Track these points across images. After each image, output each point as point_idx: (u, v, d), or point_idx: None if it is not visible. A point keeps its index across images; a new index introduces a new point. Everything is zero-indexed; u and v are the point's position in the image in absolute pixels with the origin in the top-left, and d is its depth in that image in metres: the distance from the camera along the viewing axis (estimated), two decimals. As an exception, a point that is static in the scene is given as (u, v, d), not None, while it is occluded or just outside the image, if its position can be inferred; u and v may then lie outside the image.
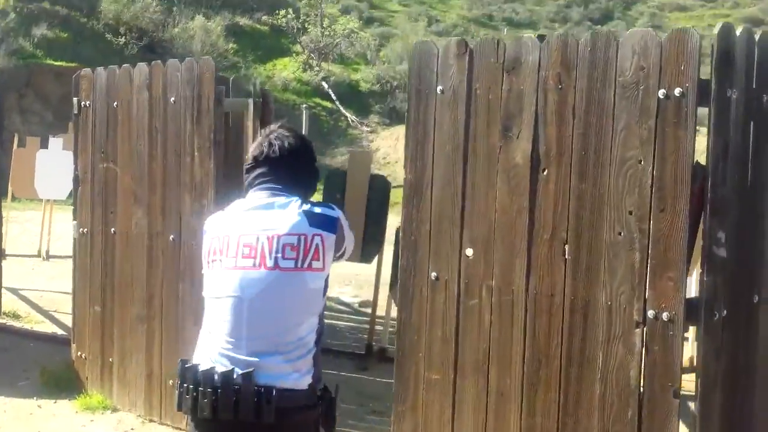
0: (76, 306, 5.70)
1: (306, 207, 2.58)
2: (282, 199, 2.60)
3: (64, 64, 22.87)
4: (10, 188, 11.35)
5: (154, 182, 5.07)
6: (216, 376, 2.42)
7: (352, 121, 23.53)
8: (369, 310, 7.67)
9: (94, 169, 5.44)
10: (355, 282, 9.22)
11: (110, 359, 5.38)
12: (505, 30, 31.51)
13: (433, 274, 3.64)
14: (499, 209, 3.43)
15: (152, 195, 5.10)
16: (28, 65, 22.57)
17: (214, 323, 2.54)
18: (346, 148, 21.79)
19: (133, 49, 24.95)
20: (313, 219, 2.56)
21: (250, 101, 5.81)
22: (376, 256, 6.42)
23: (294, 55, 27.32)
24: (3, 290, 7.92)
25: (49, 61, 22.65)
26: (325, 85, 25.12)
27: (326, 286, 2.60)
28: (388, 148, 20.53)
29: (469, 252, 3.53)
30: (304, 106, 17.26)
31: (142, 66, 5.13)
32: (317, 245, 2.52)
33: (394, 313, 4.90)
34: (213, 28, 26.71)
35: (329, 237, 2.56)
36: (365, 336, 7.03)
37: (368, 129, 23.39)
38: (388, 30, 30.40)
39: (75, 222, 5.62)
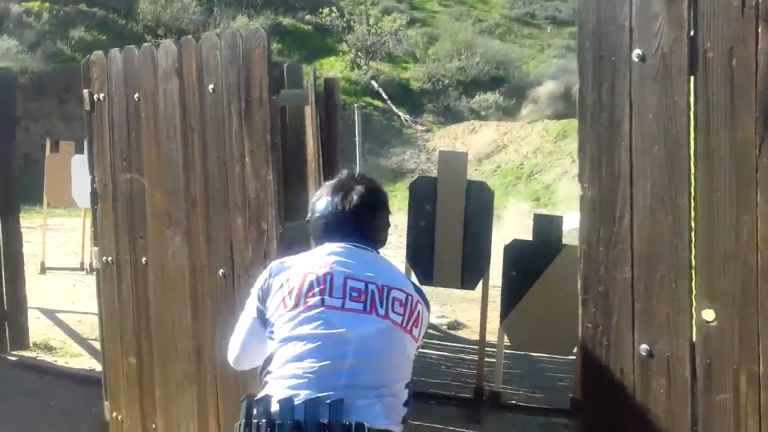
0: (106, 356, 4.39)
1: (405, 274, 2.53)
2: (376, 254, 2.50)
3: (101, 67, 21.99)
4: (45, 196, 10.23)
5: (193, 199, 3.76)
6: (298, 407, 2.19)
7: (406, 120, 22.27)
8: (459, 333, 6.58)
9: (116, 180, 4.13)
10: (437, 298, 7.78)
11: (153, 426, 4.09)
12: (549, 29, 30.22)
13: (644, 348, 2.29)
14: (763, 244, 2.03)
15: (192, 216, 3.78)
16: (67, 69, 21.61)
17: (304, 363, 2.28)
18: (402, 148, 20.55)
19: (173, 50, 23.94)
20: (415, 287, 2.47)
21: (311, 93, 4.48)
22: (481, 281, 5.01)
23: (340, 54, 26.23)
24: (38, 312, 6.90)
25: (88, 65, 21.59)
26: (375, 84, 23.90)
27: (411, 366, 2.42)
28: (446, 147, 19.26)
29: (709, 315, 2.15)
30: (356, 105, 16.01)
31: (168, 45, 3.81)
32: (419, 313, 2.41)
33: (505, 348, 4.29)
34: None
35: (426, 313, 2.46)
36: (464, 370, 5.65)
37: (423, 128, 22.10)
38: (430, 30, 29.23)
39: (96, 248, 4.32)
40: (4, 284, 5.96)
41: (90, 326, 7.01)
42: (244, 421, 2.24)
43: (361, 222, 2.49)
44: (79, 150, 9.86)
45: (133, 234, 4.07)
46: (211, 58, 3.58)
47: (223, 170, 3.62)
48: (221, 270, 3.69)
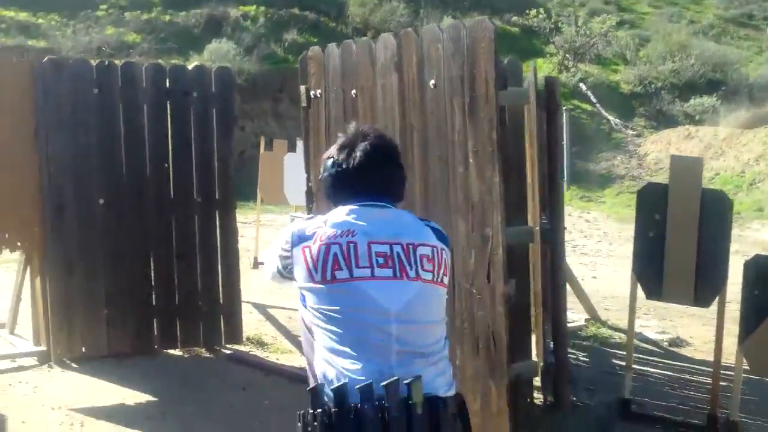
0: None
1: (425, 221, 2.42)
2: (396, 209, 2.37)
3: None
4: (258, 193, 10.52)
5: (412, 201, 3.57)
6: (376, 390, 2.12)
7: (615, 124, 21.36)
8: (681, 351, 6.12)
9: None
10: (654, 311, 7.24)
11: None
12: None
13: None
14: None
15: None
16: (280, 70, 22.45)
17: (348, 339, 2.22)
18: (611, 153, 19.73)
19: (381, 52, 24.30)
20: (436, 233, 2.38)
21: (532, 91, 4.19)
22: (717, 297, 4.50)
23: (548, 56, 25.63)
24: (250, 307, 6.91)
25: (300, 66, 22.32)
26: (584, 87, 23.11)
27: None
28: (659, 153, 18.22)
29: None
30: (564, 108, 15.49)
31: (387, 38, 3.65)
32: (445, 260, 2.36)
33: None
34: (462, 29, 25.51)
35: (448, 253, 2.41)
36: (691, 393, 5.17)
37: (633, 133, 21.09)
38: (640, 32, 27.97)
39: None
40: (220, 278, 6.03)
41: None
42: (310, 410, 2.16)
43: (371, 178, 2.35)
44: (291, 148, 10.03)
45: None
46: (432, 51, 3.38)
47: (445, 171, 3.41)
48: (439, 277, 3.47)
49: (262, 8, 24.63)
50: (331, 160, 2.40)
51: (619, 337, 6.38)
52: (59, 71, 5.57)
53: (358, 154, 2.35)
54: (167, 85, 5.92)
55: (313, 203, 4.13)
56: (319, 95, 3.98)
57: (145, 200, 5.80)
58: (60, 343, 5.55)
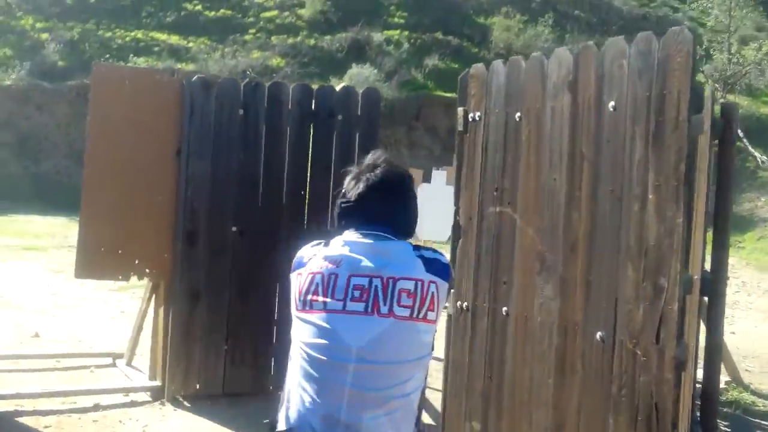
0: (446, 413, 3.89)
1: (418, 251, 2.29)
2: (390, 241, 2.28)
3: (454, 95, 22.28)
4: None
5: (574, 241, 3.13)
6: None
7: (762, 161, 19.86)
8: None
9: (483, 214, 3.60)
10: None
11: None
12: None
13: None
14: None
15: (570, 262, 3.15)
16: (418, 96, 22.30)
17: (309, 374, 2.20)
18: (755, 193, 18.38)
19: (523, 77, 23.76)
20: (428, 264, 2.26)
21: (706, 119, 3.64)
22: None
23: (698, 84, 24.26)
24: None
25: (439, 93, 22.15)
26: (733, 118, 21.71)
27: (433, 342, 2.28)
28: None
29: None
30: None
31: (562, 53, 3.23)
32: (433, 294, 2.22)
33: None
34: (606, 54, 24.62)
35: (443, 285, 2.26)
36: None
37: (781, 173, 19.60)
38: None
39: (451, 291, 3.84)
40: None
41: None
42: None
43: (372, 210, 2.31)
44: (426, 179, 9.63)
45: (496, 278, 3.52)
46: (615, 68, 2.93)
47: (617, 207, 2.94)
48: (599, 333, 3.00)
49: (406, 32, 24.63)
50: (344, 189, 2.37)
51: (763, 405, 5.71)
52: (207, 90, 5.42)
53: (362, 185, 2.31)
54: (312, 107, 5.67)
55: (459, 240, 3.71)
56: (478, 118, 3.58)
57: (278, 230, 5.52)
58: (176, 378, 5.33)
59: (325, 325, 2.21)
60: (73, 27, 22.79)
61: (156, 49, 22.43)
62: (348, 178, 2.36)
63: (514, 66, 3.41)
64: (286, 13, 25.12)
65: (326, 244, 2.33)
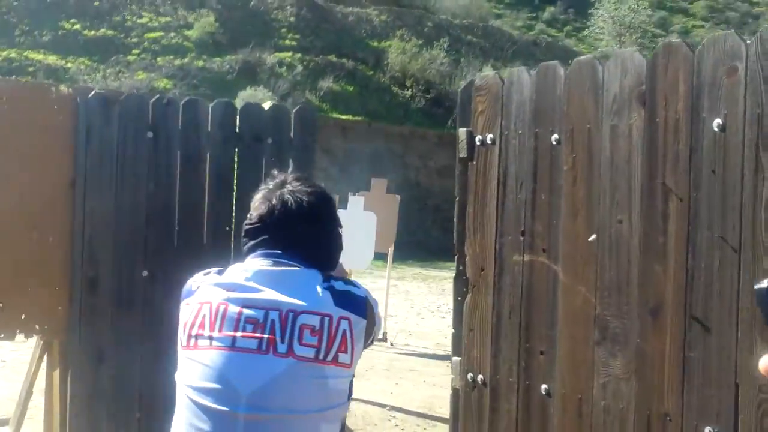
0: None
1: (329, 282, 1.98)
2: (296, 269, 1.99)
3: (350, 117, 21.67)
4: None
5: (657, 304, 2.32)
6: None
7: None
8: None
9: (502, 264, 2.76)
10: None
11: None
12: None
13: None
14: None
15: (651, 330, 2.35)
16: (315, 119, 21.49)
17: (193, 424, 1.92)
18: None
19: (420, 101, 23.37)
20: (338, 297, 1.95)
21: None
22: None
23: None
24: None
25: (335, 115, 21.42)
26: None
27: (351, 389, 1.99)
28: None
29: None
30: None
31: (627, 55, 2.44)
32: (344, 332, 1.92)
33: None
34: (503, 79, 24.58)
35: (359, 322, 1.95)
36: None
37: None
38: None
39: (456, 359, 2.96)
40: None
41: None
42: None
43: (279, 232, 2.05)
44: (341, 205, 8.98)
45: (529, 347, 2.68)
46: (721, 73, 2.13)
47: (731, 261, 2.15)
48: (708, 428, 2.19)
49: (299, 55, 23.82)
50: (250, 212, 2.13)
51: None
52: (108, 109, 4.39)
53: (266, 205, 2.06)
54: (237, 128, 4.71)
55: (465, 295, 2.86)
56: (490, 141, 2.75)
57: (198, 273, 4.54)
58: (81, 455, 4.28)
59: (210, 364, 1.94)
60: (-65, 45, 20.88)
61: (31, 69, 20.75)
62: (256, 197, 2.11)
63: (549, 73, 2.59)
64: (173, 34, 23.88)
65: (220, 272, 2.07)
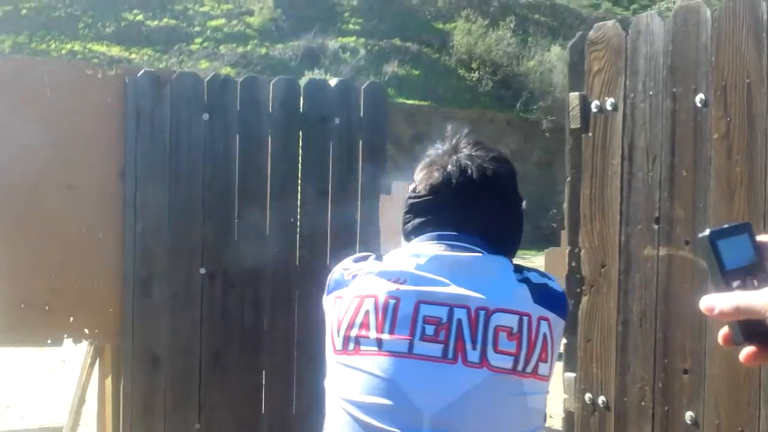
0: None
1: (521, 272, 1.61)
2: (481, 255, 1.59)
3: (416, 102, 21.15)
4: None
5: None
6: None
7: None
8: None
9: (629, 259, 2.23)
10: None
11: None
12: None
13: None
14: None
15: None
16: (380, 105, 21.05)
17: None
18: None
19: (488, 84, 22.78)
20: (536, 292, 1.57)
21: None
22: None
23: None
24: None
25: (401, 100, 20.92)
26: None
27: (546, 410, 1.61)
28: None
29: None
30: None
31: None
32: (545, 336, 1.55)
33: None
34: (573, 58, 23.78)
35: (558, 324, 1.59)
36: None
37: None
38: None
39: (570, 376, 2.44)
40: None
41: None
42: None
43: (457, 209, 1.63)
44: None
45: (668, 363, 2.15)
46: None
47: None
48: None
49: (362, 39, 23.36)
50: (413, 184, 1.72)
51: None
52: (159, 89, 3.98)
53: (439, 173, 1.64)
54: (301, 108, 4.25)
55: (582, 297, 2.33)
56: (610, 107, 2.21)
57: (262, 271, 4.11)
58: (134, 464, 3.92)
59: (380, 374, 1.53)
60: (3, 41, 20.98)
61: (95, 61, 20.72)
62: (419, 168, 1.74)
63: (690, 17, 2.04)
64: (235, 22, 23.65)
65: (378, 258, 1.68)
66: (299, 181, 4.26)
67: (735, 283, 0.84)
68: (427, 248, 1.63)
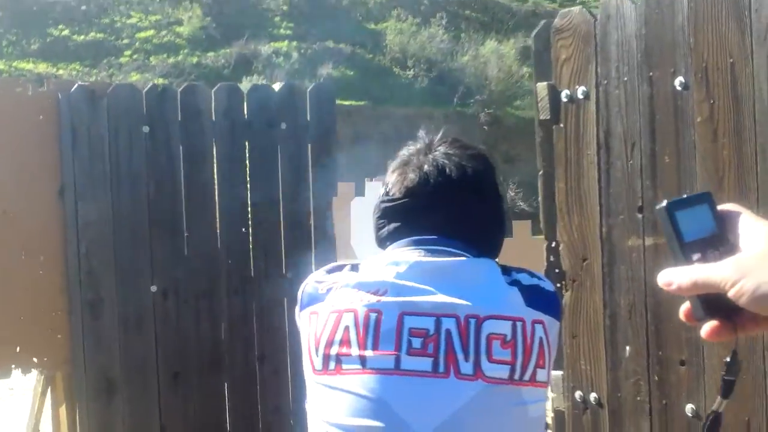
0: None
1: (509, 274, 1.51)
2: (464, 259, 1.48)
3: (353, 103, 21.01)
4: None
5: None
6: None
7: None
8: None
9: (612, 251, 2.14)
10: None
11: None
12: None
13: None
14: None
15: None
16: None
17: None
18: None
19: (423, 81, 22.73)
20: (528, 294, 1.47)
21: None
22: None
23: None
24: None
25: (338, 101, 20.72)
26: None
27: (545, 417, 1.53)
28: None
29: None
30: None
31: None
32: (541, 340, 1.45)
33: None
34: (506, 52, 23.95)
35: (554, 326, 1.49)
36: None
37: None
38: None
39: (556, 374, 2.34)
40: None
41: None
42: None
43: (440, 209, 1.52)
44: (358, 192, 8.38)
45: (662, 354, 2.07)
46: None
47: None
48: None
49: (295, 43, 23.15)
50: (387, 185, 1.59)
51: None
52: (95, 103, 3.78)
53: (417, 174, 1.52)
54: (245, 114, 4.10)
55: (564, 293, 2.23)
56: (582, 96, 2.11)
57: (215, 284, 3.95)
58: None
59: (367, 394, 1.40)
60: None
61: (21, 80, 20.17)
62: (391, 168, 1.62)
63: (662, 0, 1.94)
64: (164, 32, 23.23)
65: (355, 268, 1.54)
66: (248, 191, 4.10)
67: (695, 256, 0.79)
68: (405, 255, 1.51)
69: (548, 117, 2.21)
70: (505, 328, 1.44)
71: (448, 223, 1.54)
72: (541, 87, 2.23)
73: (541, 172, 2.27)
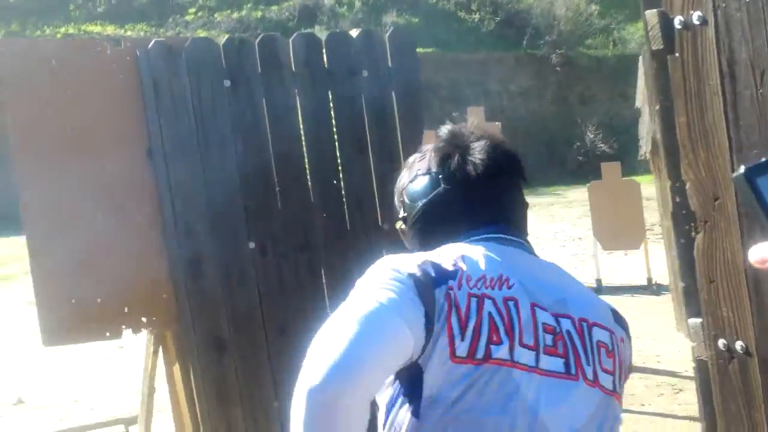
0: None
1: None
2: (537, 257, 1.47)
3: (420, 50, 20.76)
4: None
5: None
6: None
7: None
8: None
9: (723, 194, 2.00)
10: None
11: None
12: None
13: None
14: None
15: None
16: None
17: None
18: None
19: (490, 24, 22.28)
20: (613, 312, 1.46)
21: None
22: None
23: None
24: None
25: (406, 49, 20.48)
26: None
27: None
28: None
29: None
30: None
31: None
32: (621, 357, 1.42)
33: None
34: (573, -9, 23.40)
35: (629, 346, 1.49)
36: None
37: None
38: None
39: (695, 321, 2.21)
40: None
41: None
42: None
43: (497, 197, 1.47)
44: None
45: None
46: None
47: None
48: None
49: (358, -9, 22.98)
50: (427, 177, 1.50)
51: None
52: (174, 59, 3.74)
53: (477, 157, 1.45)
54: (325, 64, 4.00)
55: (696, 235, 2.10)
56: (698, 21, 1.96)
57: (311, 237, 3.90)
58: (218, 453, 3.75)
59: (510, 391, 1.27)
60: (-5, 31, 20.72)
61: (98, 40, 20.47)
62: (429, 157, 1.52)
63: None
64: (226, -13, 23.26)
65: (445, 253, 1.38)
66: (335, 142, 4.03)
67: None
68: (488, 248, 1.42)
69: (661, 47, 2.07)
70: (606, 337, 1.40)
71: (506, 210, 1.51)
72: (651, 15, 2.08)
73: (657, 107, 2.13)
